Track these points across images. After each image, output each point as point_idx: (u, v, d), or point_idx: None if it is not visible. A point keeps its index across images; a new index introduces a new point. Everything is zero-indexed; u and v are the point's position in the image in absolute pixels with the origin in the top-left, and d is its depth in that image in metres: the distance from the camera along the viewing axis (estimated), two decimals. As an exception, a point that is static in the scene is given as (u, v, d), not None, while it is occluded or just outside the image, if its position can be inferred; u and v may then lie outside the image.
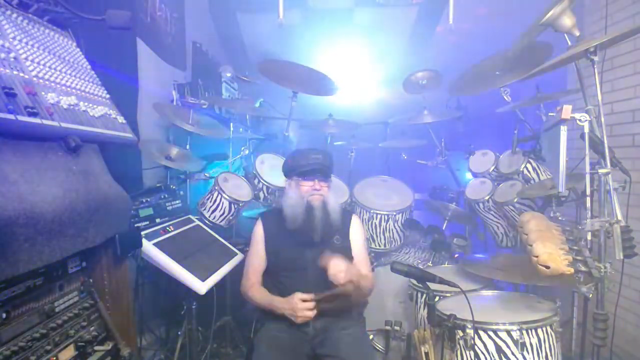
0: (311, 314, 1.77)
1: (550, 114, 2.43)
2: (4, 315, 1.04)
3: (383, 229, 2.78)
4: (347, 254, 2.01)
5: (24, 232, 0.96)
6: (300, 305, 1.76)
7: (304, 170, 1.97)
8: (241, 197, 2.59)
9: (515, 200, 2.41)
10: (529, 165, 2.52)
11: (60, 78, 1.29)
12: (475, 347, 1.69)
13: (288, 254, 1.98)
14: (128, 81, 2.56)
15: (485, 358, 1.69)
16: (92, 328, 1.35)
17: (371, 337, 2.47)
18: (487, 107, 2.87)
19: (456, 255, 2.77)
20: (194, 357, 2.20)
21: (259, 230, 2.07)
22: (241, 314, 2.67)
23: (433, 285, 1.68)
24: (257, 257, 2.04)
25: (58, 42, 1.42)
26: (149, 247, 1.81)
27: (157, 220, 2.10)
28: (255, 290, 1.98)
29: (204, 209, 2.55)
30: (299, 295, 1.78)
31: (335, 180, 2.92)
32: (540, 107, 2.51)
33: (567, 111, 1.61)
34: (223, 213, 2.55)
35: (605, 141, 1.63)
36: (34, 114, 1.06)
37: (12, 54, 1.15)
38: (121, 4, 1.84)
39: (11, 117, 0.99)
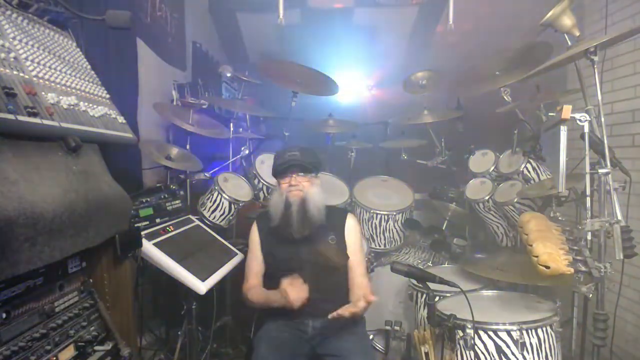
0: (302, 293, 1.74)
1: (550, 114, 2.44)
2: (4, 315, 1.04)
3: (383, 229, 2.78)
4: (342, 253, 2.00)
5: (24, 232, 0.96)
6: (289, 289, 1.75)
7: (280, 168, 1.98)
8: (241, 197, 2.59)
9: (515, 200, 2.41)
10: (529, 165, 2.51)
11: (60, 78, 1.29)
12: (475, 347, 1.69)
13: (283, 255, 1.97)
14: (128, 81, 2.56)
15: (485, 358, 1.69)
16: (92, 328, 1.35)
17: (371, 337, 2.47)
18: (487, 107, 2.87)
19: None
20: (194, 357, 2.19)
21: (254, 233, 2.07)
22: (241, 314, 2.67)
23: (433, 285, 1.68)
24: (255, 260, 2.04)
25: (58, 42, 1.42)
26: (149, 247, 1.81)
27: (157, 220, 2.10)
28: (253, 291, 1.98)
29: (204, 209, 2.55)
30: (285, 281, 1.77)
31: (335, 180, 2.92)
32: (540, 107, 2.51)
33: (567, 111, 1.61)
34: (223, 213, 2.55)
35: (605, 141, 1.63)
36: (34, 114, 1.06)
37: (12, 54, 1.15)
38: (121, 4, 1.85)
39: (11, 117, 0.99)
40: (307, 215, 1.92)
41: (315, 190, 1.99)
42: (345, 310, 1.70)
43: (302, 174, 1.97)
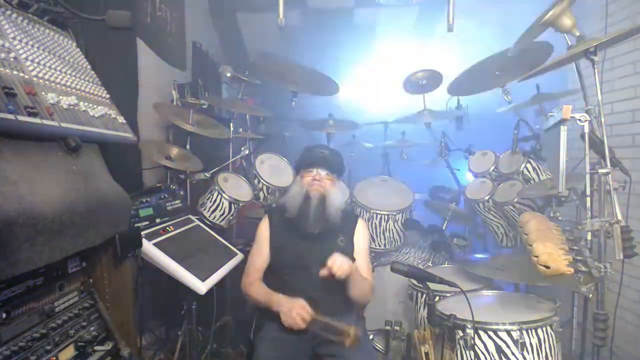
0: (302, 324, 1.73)
1: (550, 114, 2.43)
2: (4, 315, 1.04)
3: (383, 229, 2.78)
4: (349, 256, 2.01)
5: (24, 232, 0.96)
6: (299, 309, 1.73)
7: (307, 161, 2.02)
8: (241, 197, 2.59)
9: (515, 200, 2.41)
10: (529, 165, 2.52)
11: (60, 78, 1.29)
12: (475, 347, 1.69)
13: (292, 252, 1.97)
14: (128, 81, 2.56)
15: (485, 358, 1.69)
16: (92, 328, 1.35)
17: (371, 337, 2.47)
18: (487, 107, 2.87)
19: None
20: (194, 357, 2.19)
21: (264, 227, 2.07)
22: (241, 314, 2.67)
23: (433, 285, 1.68)
24: (260, 254, 2.03)
25: (58, 42, 1.42)
26: (149, 247, 1.81)
27: (157, 220, 2.10)
28: (255, 287, 1.97)
29: (204, 209, 2.55)
30: (302, 302, 1.76)
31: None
32: (540, 107, 2.51)
33: (567, 111, 1.61)
34: (223, 213, 2.55)
35: (605, 141, 1.63)
36: (34, 114, 1.06)
37: (12, 54, 1.15)
38: (121, 4, 1.84)
39: (11, 117, 0.99)
40: (324, 212, 1.95)
41: (336, 192, 2.03)
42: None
43: (326, 171, 2.00)
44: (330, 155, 2.03)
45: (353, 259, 2.01)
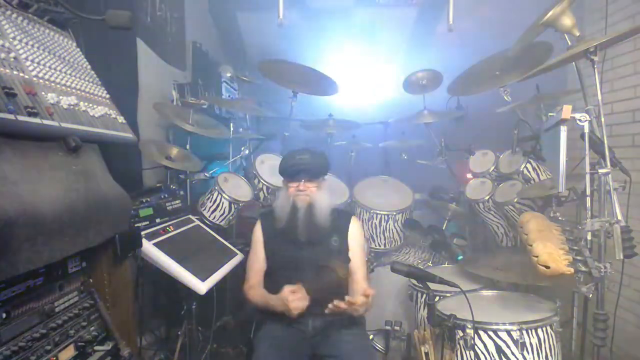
0: (303, 303, 1.75)
1: (550, 114, 2.44)
2: (4, 315, 1.04)
3: (383, 229, 2.78)
4: (344, 255, 2.01)
5: (24, 232, 0.96)
6: (291, 297, 1.75)
7: (289, 171, 1.98)
8: (241, 197, 2.59)
9: (515, 200, 2.41)
10: (529, 165, 2.51)
11: (60, 78, 1.29)
12: (475, 347, 1.69)
13: (285, 254, 1.98)
14: (128, 81, 2.56)
15: (485, 358, 1.69)
16: (92, 328, 1.35)
17: (371, 337, 2.47)
18: (487, 107, 2.86)
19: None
20: (194, 357, 2.20)
21: (257, 231, 2.08)
22: (241, 314, 2.67)
23: (433, 285, 1.68)
24: (257, 259, 2.04)
25: (58, 42, 1.42)
26: (149, 247, 1.81)
27: (157, 220, 2.10)
28: (254, 291, 1.98)
29: (204, 209, 2.55)
30: (287, 288, 1.78)
31: (335, 180, 2.92)
32: (540, 107, 2.51)
33: (567, 111, 1.62)
34: (223, 213, 2.55)
35: (605, 141, 1.63)
36: (34, 114, 1.06)
37: (12, 54, 1.15)
38: (121, 4, 1.84)
39: (11, 117, 0.99)
40: (313, 221, 1.94)
41: (323, 195, 2.01)
42: (342, 303, 1.70)
43: (310, 179, 1.98)
44: (312, 161, 1.96)
45: (348, 259, 2.01)
